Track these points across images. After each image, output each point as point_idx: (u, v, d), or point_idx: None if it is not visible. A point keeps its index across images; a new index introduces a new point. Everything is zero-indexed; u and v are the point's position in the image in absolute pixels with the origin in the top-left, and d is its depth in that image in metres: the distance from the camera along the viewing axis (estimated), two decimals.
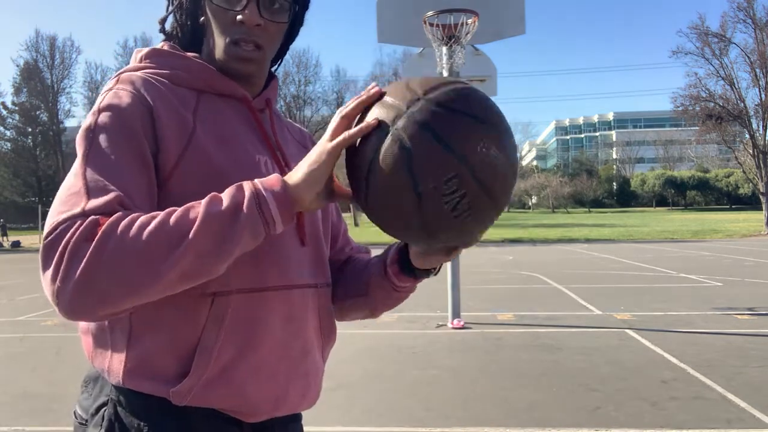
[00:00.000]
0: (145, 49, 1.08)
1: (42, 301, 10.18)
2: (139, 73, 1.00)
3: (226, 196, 0.85)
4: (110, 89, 0.97)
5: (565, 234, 33.55)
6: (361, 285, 1.16)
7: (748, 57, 33.29)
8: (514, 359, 5.63)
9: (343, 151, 0.89)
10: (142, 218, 0.82)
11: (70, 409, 1.02)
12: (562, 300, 9.34)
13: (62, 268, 0.78)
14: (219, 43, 1.03)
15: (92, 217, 0.81)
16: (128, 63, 1.10)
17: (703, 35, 33.84)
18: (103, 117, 0.93)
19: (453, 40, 7.20)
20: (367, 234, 39.02)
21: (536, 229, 39.06)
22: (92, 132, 0.92)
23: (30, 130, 40.55)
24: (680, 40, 59.96)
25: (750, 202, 63.06)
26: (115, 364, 0.96)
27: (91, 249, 0.78)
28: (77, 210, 0.82)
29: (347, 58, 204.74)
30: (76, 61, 47.93)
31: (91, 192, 0.85)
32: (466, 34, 7.16)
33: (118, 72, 1.05)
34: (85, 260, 0.78)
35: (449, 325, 7.20)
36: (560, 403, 4.29)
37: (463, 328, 7.07)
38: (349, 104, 0.90)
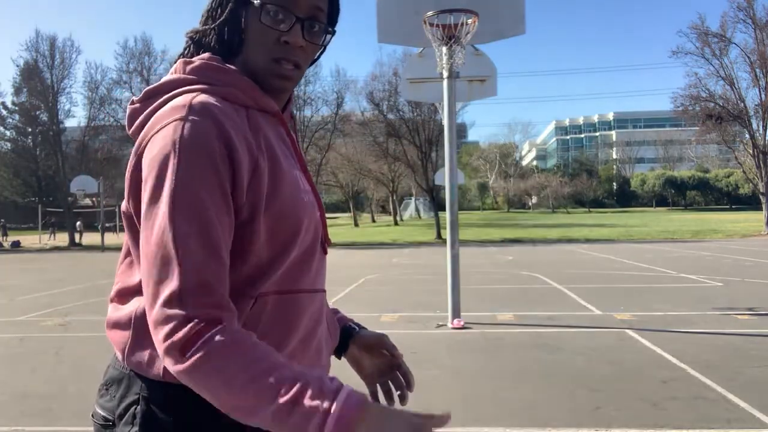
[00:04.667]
0: (196, 62, 1.06)
1: (42, 301, 10.18)
2: (211, 100, 0.98)
3: (299, 417, 0.84)
4: (183, 119, 0.94)
5: (565, 234, 33.55)
6: None
7: (748, 57, 33.21)
8: (514, 359, 5.63)
9: None
10: (231, 365, 0.86)
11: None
12: (562, 300, 9.34)
13: (168, 360, 0.89)
14: (260, 60, 1.05)
15: (193, 325, 0.87)
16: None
17: (703, 35, 33.75)
18: (188, 161, 0.92)
19: (453, 40, 7.20)
20: (366, 234, 39.07)
21: (536, 229, 39.06)
22: (178, 182, 0.91)
23: (30, 130, 40.34)
24: (680, 40, 59.41)
25: (750, 202, 63.02)
26: (158, 359, 0.99)
27: (184, 365, 0.87)
28: (175, 300, 0.88)
29: (347, 58, 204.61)
30: (76, 61, 47.68)
31: (186, 277, 0.89)
32: (466, 34, 7.16)
33: (171, 84, 1.03)
34: (178, 366, 0.88)
35: (449, 325, 7.20)
36: (560, 403, 4.29)
37: (463, 328, 7.07)
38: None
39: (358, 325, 1.34)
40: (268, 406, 0.85)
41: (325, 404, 0.84)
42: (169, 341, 0.87)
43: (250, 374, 0.86)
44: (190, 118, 0.94)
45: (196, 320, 0.88)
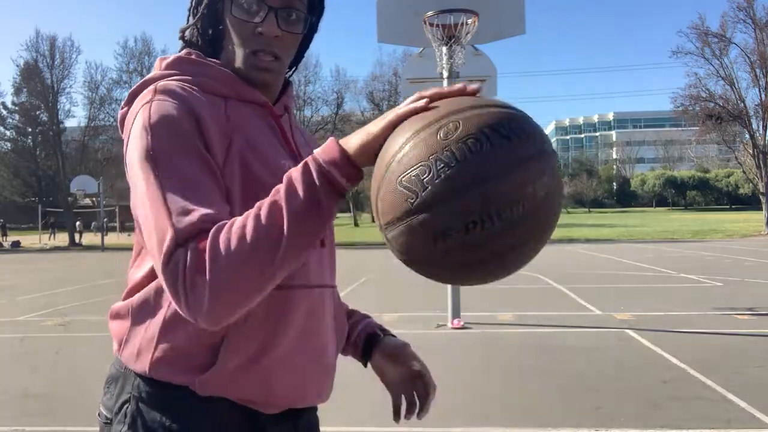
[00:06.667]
0: (170, 57, 1.08)
1: (42, 301, 10.18)
2: (174, 83, 1.00)
3: (298, 184, 0.87)
4: (149, 101, 0.97)
5: (565, 234, 33.52)
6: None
7: (748, 57, 33.22)
8: (514, 359, 5.63)
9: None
10: (235, 231, 0.84)
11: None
12: (562, 300, 9.34)
13: (190, 302, 0.84)
14: (238, 53, 1.06)
15: (191, 246, 0.85)
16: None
17: (703, 35, 33.77)
18: (158, 132, 0.93)
19: (453, 40, 7.20)
20: (366, 234, 39.03)
21: None
22: (153, 151, 0.92)
23: (30, 130, 40.38)
24: (680, 40, 59.38)
25: (750, 202, 62.95)
26: (144, 352, 0.99)
27: (207, 280, 0.83)
28: (171, 242, 0.86)
29: (347, 58, 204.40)
30: (76, 61, 47.70)
31: (177, 218, 0.87)
32: (466, 34, 7.16)
33: (148, 81, 1.05)
34: (207, 291, 0.83)
35: (449, 325, 7.20)
36: (560, 403, 4.29)
37: (463, 328, 7.07)
38: (432, 90, 0.89)
39: (385, 331, 1.30)
40: (282, 219, 0.85)
41: (310, 160, 0.89)
42: (188, 275, 0.83)
43: (259, 221, 0.85)
44: (155, 98, 0.97)
45: (192, 242, 0.85)
